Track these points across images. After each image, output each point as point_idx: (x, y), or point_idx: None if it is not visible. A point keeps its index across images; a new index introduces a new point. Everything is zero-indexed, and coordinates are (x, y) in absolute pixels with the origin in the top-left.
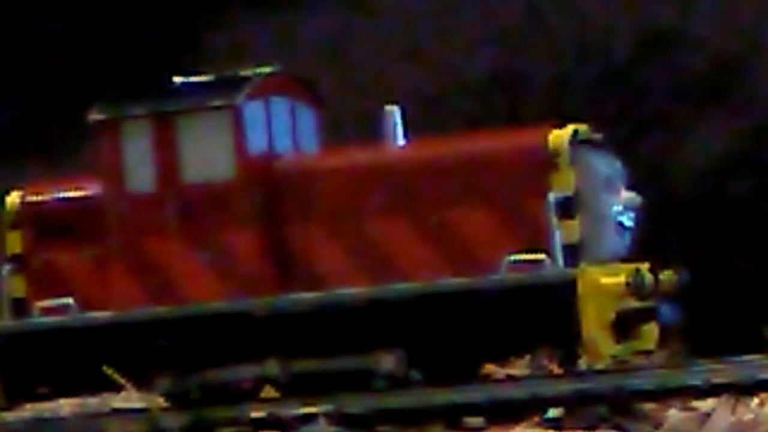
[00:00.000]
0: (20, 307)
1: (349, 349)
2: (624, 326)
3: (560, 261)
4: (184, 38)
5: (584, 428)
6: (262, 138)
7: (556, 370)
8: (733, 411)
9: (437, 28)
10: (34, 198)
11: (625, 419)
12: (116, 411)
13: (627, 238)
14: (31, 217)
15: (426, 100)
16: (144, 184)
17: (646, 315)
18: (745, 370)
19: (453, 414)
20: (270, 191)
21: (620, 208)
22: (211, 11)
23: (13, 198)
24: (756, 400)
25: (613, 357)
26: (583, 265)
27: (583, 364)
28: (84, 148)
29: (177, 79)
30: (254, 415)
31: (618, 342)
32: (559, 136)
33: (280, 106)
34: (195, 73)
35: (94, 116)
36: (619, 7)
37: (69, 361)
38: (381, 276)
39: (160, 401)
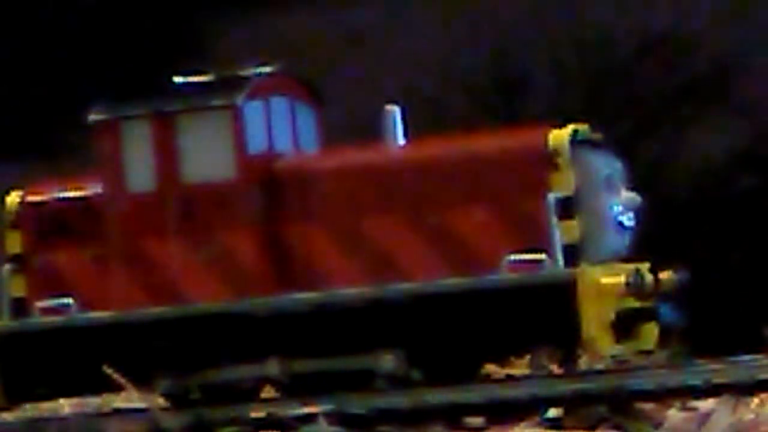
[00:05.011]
0: (20, 307)
1: (349, 349)
2: (624, 326)
3: (560, 261)
4: (184, 38)
5: (584, 428)
6: (262, 138)
7: (556, 370)
8: (733, 411)
9: (437, 29)
10: (34, 198)
11: (625, 419)
12: (116, 411)
13: (627, 238)
14: (31, 217)
15: (426, 100)
16: (144, 184)
17: (646, 315)
18: (745, 370)
19: (453, 414)
20: (270, 191)
21: (620, 208)
22: (211, 11)
23: (13, 198)
24: (756, 400)
25: (613, 357)
26: (583, 265)
27: (583, 364)
28: (84, 148)
29: (177, 79)
30: (254, 415)
31: (618, 342)
32: (559, 136)
33: (280, 106)
34: (195, 73)
35: (94, 116)
36: (619, 8)
37: (69, 361)
38: (381, 276)
39: (160, 401)
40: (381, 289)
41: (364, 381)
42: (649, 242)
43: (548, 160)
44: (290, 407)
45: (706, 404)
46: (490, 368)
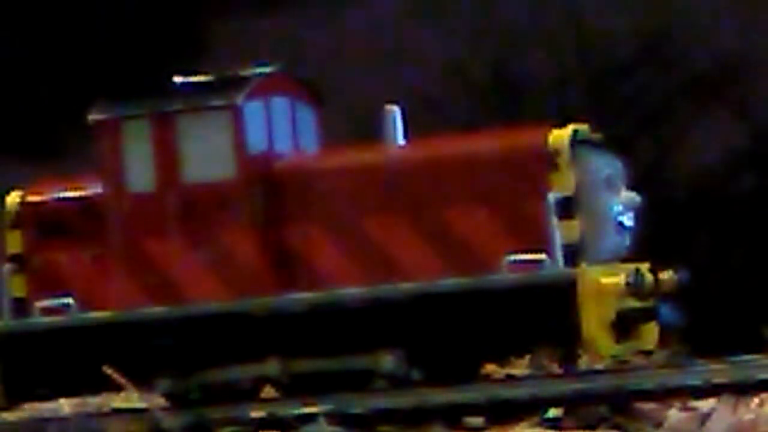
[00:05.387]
0: (20, 307)
1: (349, 349)
2: (624, 326)
3: (560, 261)
4: (184, 38)
5: (584, 428)
6: (262, 138)
7: (556, 370)
8: (733, 411)
9: (437, 28)
10: (34, 198)
11: (625, 419)
12: (116, 411)
13: (627, 238)
14: (31, 217)
15: (426, 100)
16: (144, 184)
17: (646, 315)
18: (745, 370)
19: (453, 414)
20: (270, 191)
21: (620, 208)
22: (212, 12)
23: (13, 198)
24: (756, 400)
25: (613, 357)
26: (583, 265)
27: (583, 364)
28: (84, 148)
29: (177, 79)
30: (254, 415)
31: (618, 342)
32: (559, 136)
33: (280, 106)
34: (195, 73)
35: (94, 116)
36: (619, 7)
37: (69, 361)
38: (381, 276)
39: (160, 401)
40: (381, 289)
41: (364, 381)
42: (649, 242)
43: (548, 160)
44: (290, 407)
45: (706, 404)
46: (490, 368)
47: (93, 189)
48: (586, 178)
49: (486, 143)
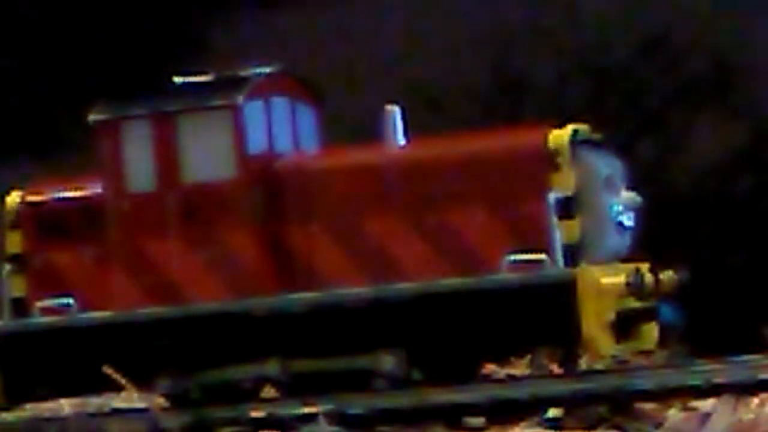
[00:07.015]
0: (20, 307)
1: (349, 349)
2: (624, 326)
3: (560, 261)
4: (184, 38)
5: (584, 428)
6: (262, 138)
7: (556, 370)
8: (733, 411)
9: (438, 28)
10: (34, 198)
11: (625, 419)
12: (116, 411)
13: (627, 238)
14: (31, 217)
15: (426, 100)
16: (144, 184)
17: (646, 315)
18: (745, 370)
19: (453, 414)
20: (270, 191)
21: (620, 208)
22: (211, 11)
23: (13, 198)
24: (756, 400)
25: (613, 357)
26: (583, 265)
27: (583, 364)
28: (84, 148)
29: (177, 79)
30: (254, 415)
31: (618, 342)
32: (559, 136)
33: (280, 106)
34: (195, 73)
35: (94, 116)
36: (619, 8)
37: (69, 361)
38: (381, 276)
39: (161, 401)
40: (381, 289)
41: (364, 381)
42: (649, 242)
43: (548, 160)
44: (290, 407)
45: (706, 404)
46: (490, 368)
47: (93, 189)
48: (586, 178)
49: (486, 143)
